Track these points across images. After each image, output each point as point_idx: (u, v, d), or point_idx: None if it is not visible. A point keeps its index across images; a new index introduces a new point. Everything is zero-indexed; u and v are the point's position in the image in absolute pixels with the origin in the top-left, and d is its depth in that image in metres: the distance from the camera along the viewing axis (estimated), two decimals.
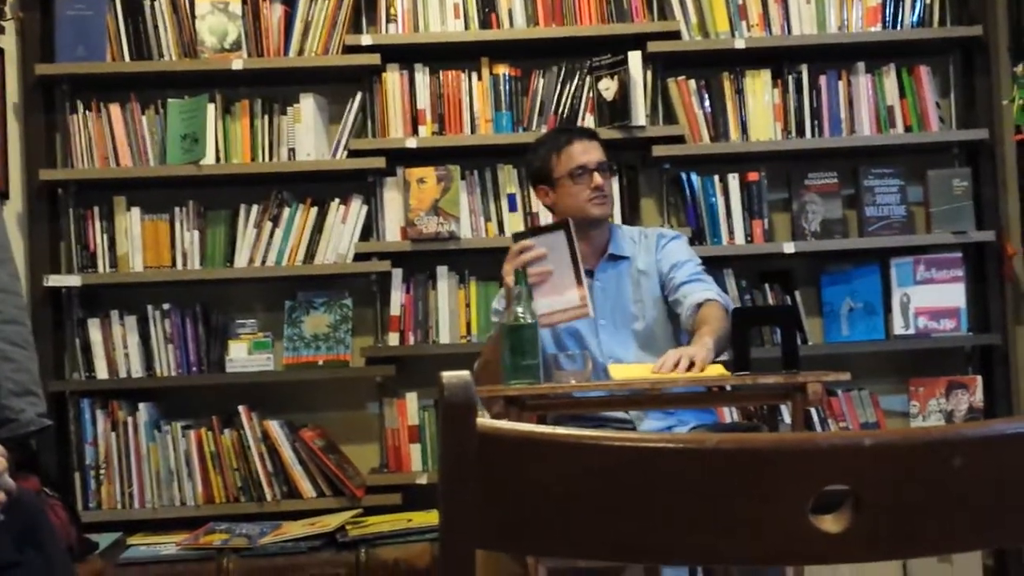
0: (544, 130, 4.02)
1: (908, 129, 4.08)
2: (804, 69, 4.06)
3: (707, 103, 4.06)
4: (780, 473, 0.91)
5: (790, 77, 4.06)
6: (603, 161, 3.29)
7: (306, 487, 3.91)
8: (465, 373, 0.92)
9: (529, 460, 0.93)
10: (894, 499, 0.92)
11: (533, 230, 3.07)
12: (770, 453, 0.92)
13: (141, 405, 3.94)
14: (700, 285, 3.14)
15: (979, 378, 4.00)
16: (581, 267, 2.98)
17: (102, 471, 3.91)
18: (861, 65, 4.07)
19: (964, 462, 0.92)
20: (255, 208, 4.03)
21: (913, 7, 4.08)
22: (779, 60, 4.08)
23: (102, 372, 3.97)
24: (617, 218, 4.00)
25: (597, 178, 3.24)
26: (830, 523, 0.91)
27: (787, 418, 3.42)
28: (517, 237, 3.05)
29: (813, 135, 4.06)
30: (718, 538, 0.92)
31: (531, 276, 2.94)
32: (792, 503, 0.91)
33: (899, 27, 4.08)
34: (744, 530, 0.91)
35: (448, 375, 0.91)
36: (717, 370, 2.80)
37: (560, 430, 0.93)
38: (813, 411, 3.93)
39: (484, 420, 0.91)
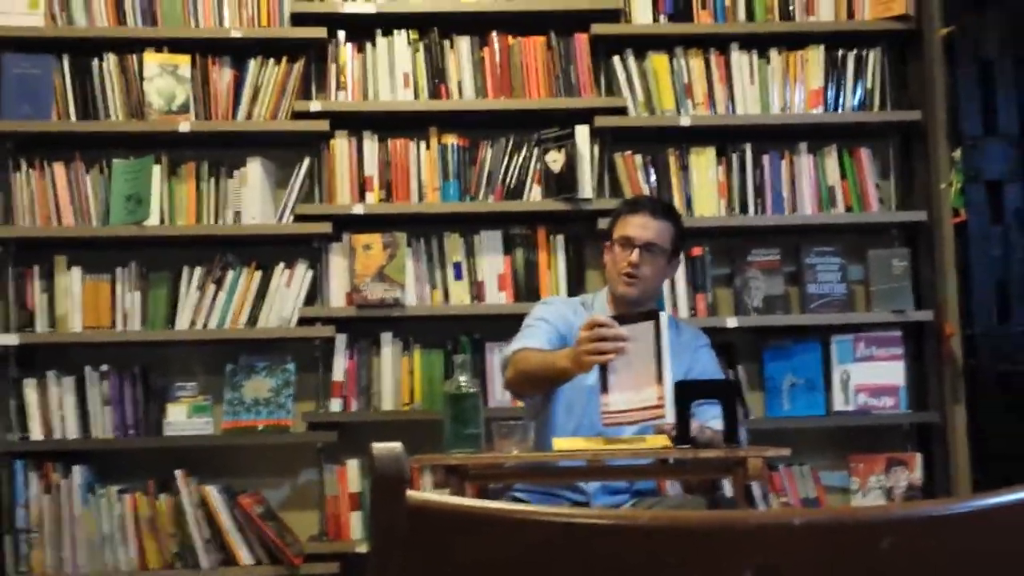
0: (491, 200, 4.05)
1: (849, 209, 4.14)
2: (748, 148, 4.12)
3: (652, 178, 4.10)
4: (711, 550, 0.92)
5: (734, 155, 4.12)
6: (652, 243, 3.21)
7: (243, 554, 3.85)
8: (397, 445, 0.91)
9: (460, 533, 0.92)
10: None
11: (620, 317, 2.85)
12: (701, 531, 0.92)
13: (76, 467, 3.87)
14: (717, 412, 2.87)
15: (918, 455, 4.03)
16: (667, 365, 2.71)
17: (34, 534, 3.83)
18: (803, 145, 4.14)
19: (892, 543, 0.92)
20: (198, 270, 4.00)
21: (854, 91, 4.17)
22: (723, 138, 4.14)
23: (36, 433, 3.90)
24: (563, 290, 4.02)
25: (633, 256, 3.18)
26: None
27: (728, 491, 3.42)
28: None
29: (756, 212, 4.11)
30: None
31: (601, 359, 2.76)
32: None
33: (840, 110, 4.16)
34: None
35: (379, 447, 0.91)
36: (660, 442, 2.80)
37: (491, 504, 0.93)
38: (755, 485, 3.94)
39: (414, 493, 0.91)
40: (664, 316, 2.74)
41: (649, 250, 3.22)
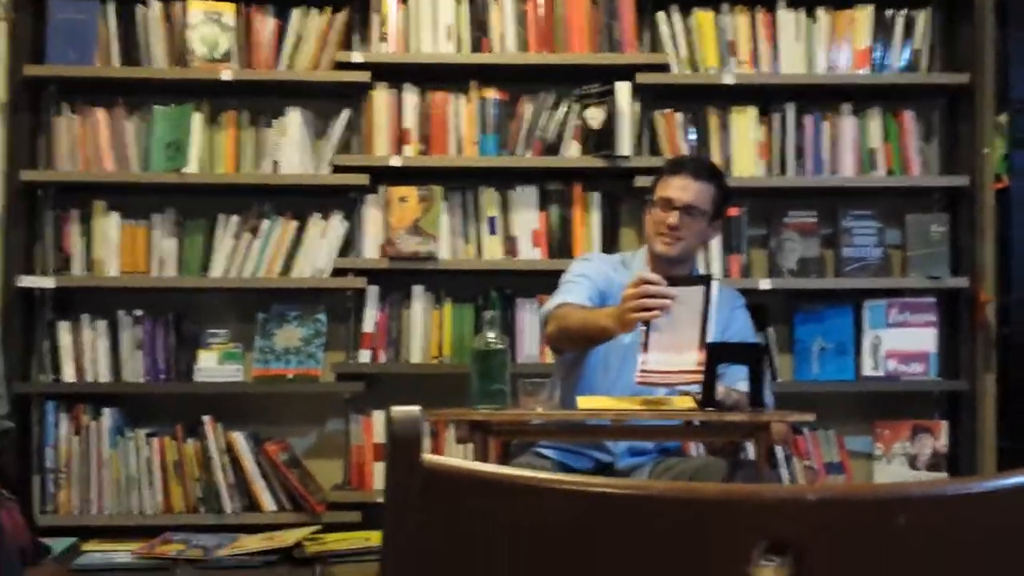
0: (528, 155, 4.04)
1: (890, 172, 4.09)
2: (790, 108, 4.08)
3: (692, 136, 4.07)
4: (724, 523, 0.91)
5: (776, 115, 4.08)
6: (692, 205, 3.17)
7: (266, 500, 3.89)
8: (414, 408, 0.91)
9: (474, 497, 0.92)
10: (837, 554, 0.91)
11: (671, 278, 2.81)
12: (715, 503, 0.92)
13: (106, 410, 3.91)
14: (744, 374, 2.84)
15: (945, 423, 4.01)
16: (711, 331, 2.69)
17: (62, 475, 3.88)
18: (846, 107, 4.09)
19: (908, 520, 0.92)
20: (235, 219, 4.02)
21: (902, 52, 4.10)
22: (766, 97, 4.09)
23: (69, 375, 3.94)
24: (596, 247, 4.01)
25: (672, 217, 3.15)
26: (771, 575, 0.91)
27: (752, 454, 3.41)
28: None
29: (796, 173, 4.07)
30: None
31: (646, 316, 2.72)
32: (735, 554, 0.90)
33: (886, 71, 4.10)
34: None
35: (397, 410, 0.91)
36: (685, 403, 2.80)
37: (506, 470, 0.93)
38: (779, 448, 3.93)
39: (430, 456, 0.91)
40: (715, 284, 2.71)
41: (688, 212, 3.18)
